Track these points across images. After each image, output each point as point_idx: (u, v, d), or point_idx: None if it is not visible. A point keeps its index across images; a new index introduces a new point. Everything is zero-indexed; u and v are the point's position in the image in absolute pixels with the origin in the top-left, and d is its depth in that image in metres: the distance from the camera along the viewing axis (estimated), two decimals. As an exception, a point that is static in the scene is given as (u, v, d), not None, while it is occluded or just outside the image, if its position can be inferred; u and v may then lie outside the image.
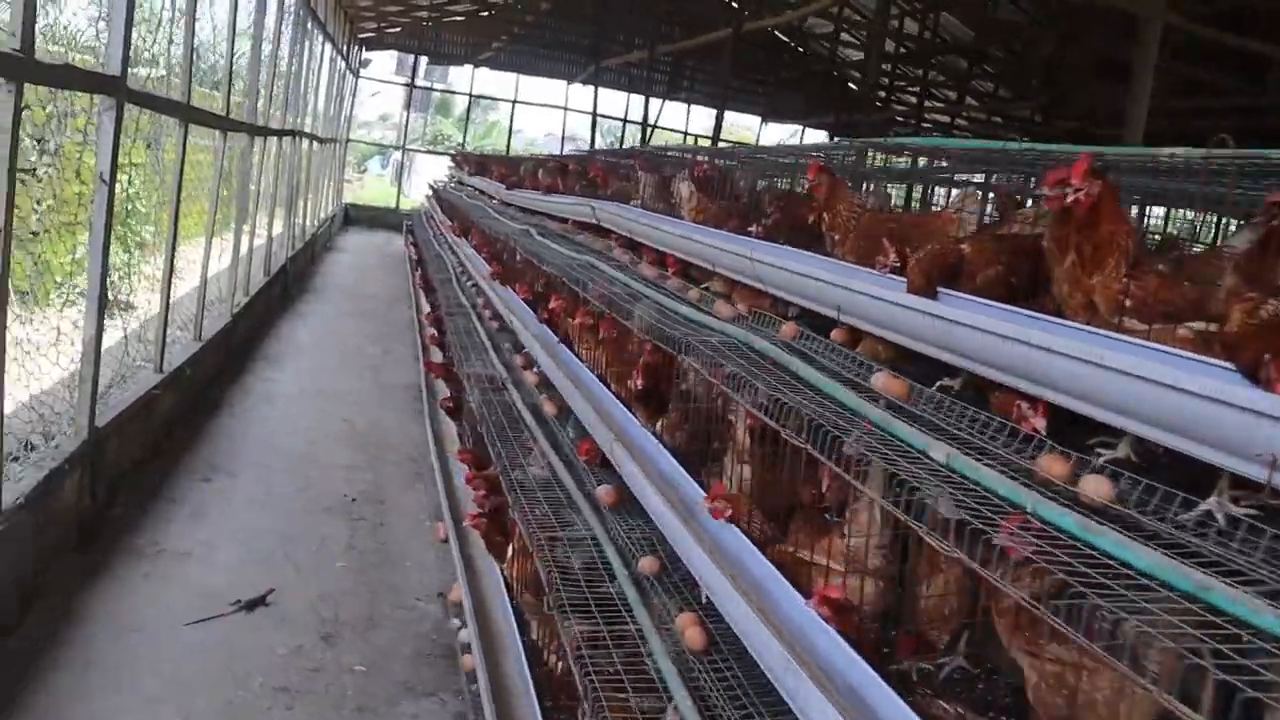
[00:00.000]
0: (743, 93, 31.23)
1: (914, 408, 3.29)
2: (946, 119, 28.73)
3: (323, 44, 20.97)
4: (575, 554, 4.50)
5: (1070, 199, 2.79)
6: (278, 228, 16.14)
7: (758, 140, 27.61)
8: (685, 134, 34.01)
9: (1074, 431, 2.86)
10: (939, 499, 2.57)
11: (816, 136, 31.91)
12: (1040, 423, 2.88)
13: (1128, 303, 2.77)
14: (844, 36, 27.34)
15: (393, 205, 32.38)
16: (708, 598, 3.89)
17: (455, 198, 19.18)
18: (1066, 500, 2.49)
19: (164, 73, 8.64)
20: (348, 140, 30.62)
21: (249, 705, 5.08)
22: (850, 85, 30.90)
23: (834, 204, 4.32)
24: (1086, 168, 2.80)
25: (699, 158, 6.79)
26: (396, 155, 38.16)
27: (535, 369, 7.70)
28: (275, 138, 14.70)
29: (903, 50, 25.25)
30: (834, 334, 4.20)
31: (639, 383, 4.64)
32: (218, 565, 6.51)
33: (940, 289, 3.44)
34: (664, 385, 4.84)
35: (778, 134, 35.49)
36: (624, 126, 32.22)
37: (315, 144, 20.64)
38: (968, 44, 24.61)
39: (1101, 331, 2.84)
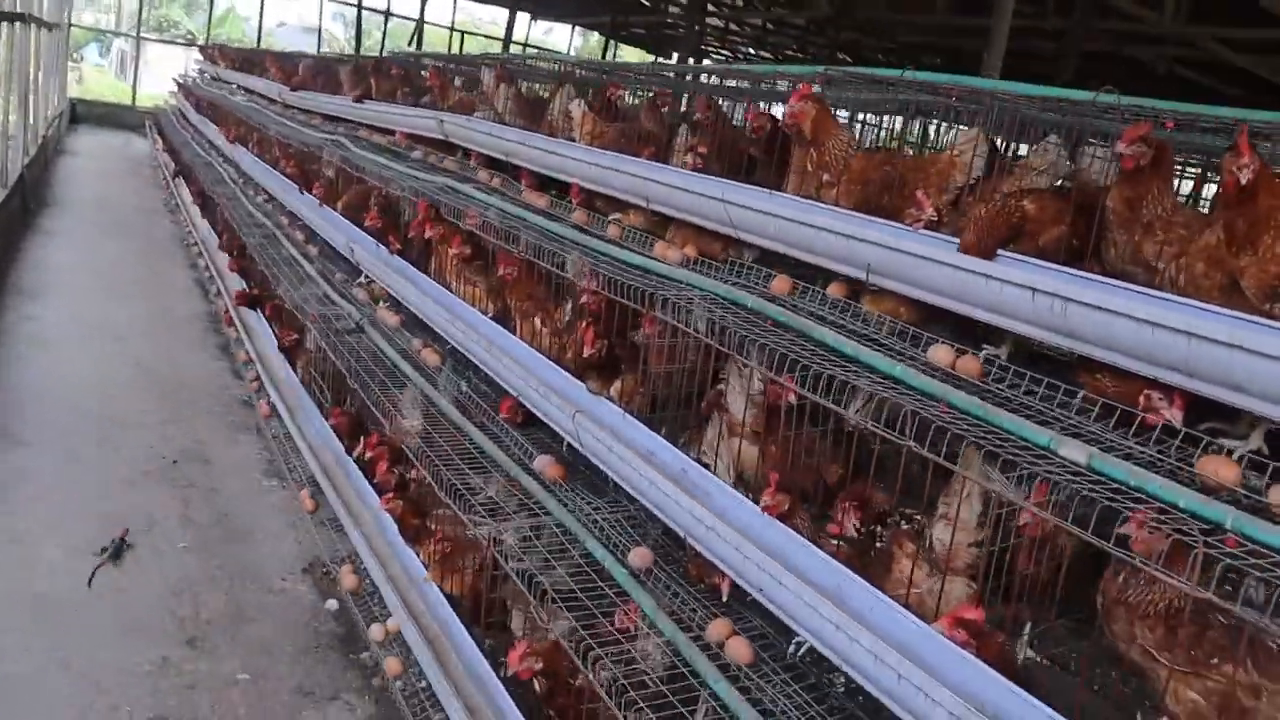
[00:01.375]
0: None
1: (993, 388, 2.93)
2: (721, 24, 28.54)
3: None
4: (541, 549, 3.91)
5: (1238, 173, 2.45)
6: (10, 130, 13.75)
7: (508, 36, 25.94)
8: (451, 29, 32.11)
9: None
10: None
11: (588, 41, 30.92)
12: (1176, 415, 2.57)
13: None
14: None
15: (128, 102, 28.64)
16: (728, 595, 3.47)
17: (217, 97, 17.10)
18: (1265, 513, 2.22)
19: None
20: (70, 25, 26.65)
21: (118, 744, 4.20)
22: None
23: (822, 139, 3.84)
24: (1246, 140, 2.47)
25: (606, 77, 6.04)
26: (119, 43, 33.92)
27: (388, 306, 6.84)
28: (5, 23, 12.36)
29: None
30: (832, 288, 3.76)
31: (590, 347, 4.03)
32: (40, 565, 5.38)
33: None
34: (617, 345, 4.26)
35: (535, 32, 34.09)
36: (359, 14, 29.55)
37: (44, 30, 17.71)
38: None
39: (1223, 310, 2.55)
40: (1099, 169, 3.60)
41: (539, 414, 4.42)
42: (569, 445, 4.65)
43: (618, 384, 4.17)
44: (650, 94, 6.66)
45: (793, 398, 3.40)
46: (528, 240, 5.10)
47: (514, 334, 5.09)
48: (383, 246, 6.97)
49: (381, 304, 7.09)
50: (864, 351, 3.19)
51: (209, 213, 13.00)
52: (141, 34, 30.16)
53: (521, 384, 4.50)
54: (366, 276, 7.66)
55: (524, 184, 6.06)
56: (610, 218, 5.25)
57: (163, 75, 27.98)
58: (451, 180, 6.56)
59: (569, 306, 5.01)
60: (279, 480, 7.06)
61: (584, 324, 4.27)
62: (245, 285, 9.07)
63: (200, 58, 23.12)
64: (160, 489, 6.54)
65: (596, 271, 4.40)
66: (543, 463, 4.36)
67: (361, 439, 5.56)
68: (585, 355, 4.02)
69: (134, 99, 28.80)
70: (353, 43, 30.98)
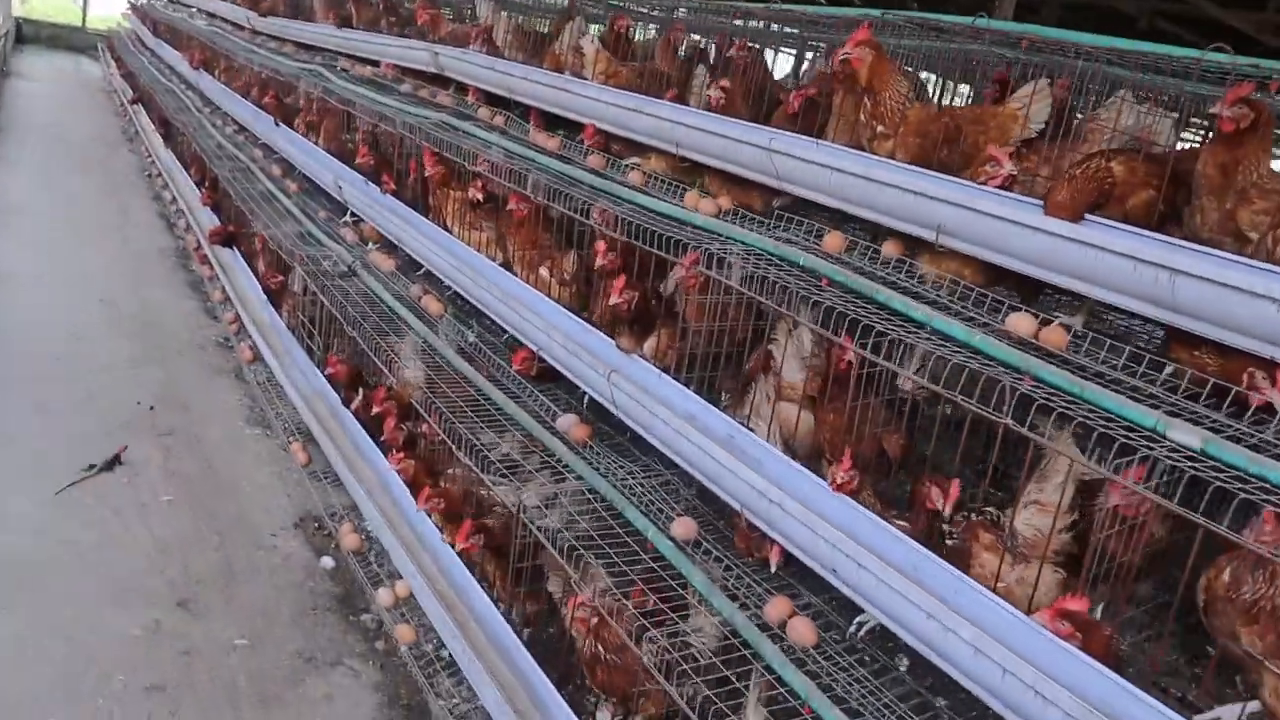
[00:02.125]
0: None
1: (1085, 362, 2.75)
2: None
3: None
4: (567, 508, 3.70)
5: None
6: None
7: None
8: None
9: None
10: None
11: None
12: (1278, 396, 2.41)
13: None
14: None
15: (78, 23, 27.35)
16: (780, 566, 3.29)
17: (176, 20, 16.34)
18: None
19: None
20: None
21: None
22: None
23: (879, 88, 3.57)
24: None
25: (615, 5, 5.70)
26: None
27: (381, 248, 6.52)
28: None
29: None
30: (887, 247, 3.54)
31: (620, 298, 3.77)
32: (8, 522, 5.07)
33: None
34: (650, 299, 4.01)
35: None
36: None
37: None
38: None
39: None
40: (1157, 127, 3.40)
41: (567, 373, 4.18)
42: (589, 400, 4.44)
43: (651, 341, 3.93)
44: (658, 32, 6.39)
45: (851, 359, 3.22)
46: (540, 183, 4.83)
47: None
48: (373, 185, 6.63)
49: (373, 246, 6.76)
50: (936, 317, 2.99)
51: (173, 143, 12.44)
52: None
53: (545, 339, 4.25)
54: (354, 215, 7.32)
55: (532, 123, 5.75)
56: (627, 161, 4.98)
57: (114, -5, 26.74)
58: (449, 117, 6.22)
59: (573, 256, 4.76)
60: (263, 428, 6.77)
61: (608, 268, 4.02)
62: (219, 221, 8.63)
63: (156, -23, 22.03)
64: (139, 438, 6.22)
65: (623, 219, 4.15)
66: (567, 423, 4.13)
67: (361, 390, 5.29)
68: (613, 304, 3.76)
69: (84, 20, 27.53)
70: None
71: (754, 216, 3.99)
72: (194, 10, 17.03)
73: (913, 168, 3.26)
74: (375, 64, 8.42)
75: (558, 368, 4.23)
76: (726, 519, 3.66)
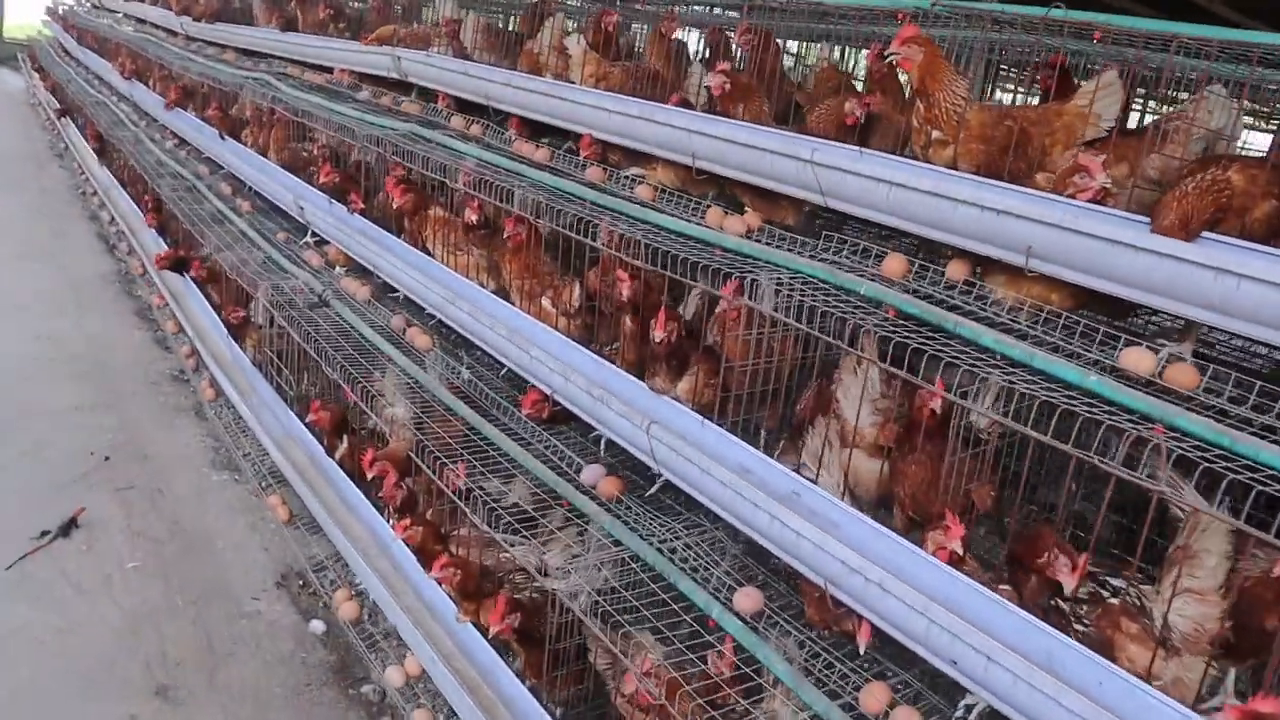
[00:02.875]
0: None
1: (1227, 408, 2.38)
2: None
3: None
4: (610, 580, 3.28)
5: None
6: None
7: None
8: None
9: None
10: None
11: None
12: None
13: None
14: None
15: (-5, 32, 26.18)
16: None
17: (104, 28, 15.51)
18: None
19: None
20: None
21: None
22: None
23: (933, 89, 3.19)
24: None
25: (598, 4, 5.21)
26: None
27: (352, 273, 6.02)
28: None
29: None
30: (952, 269, 3.16)
31: (663, 333, 3.34)
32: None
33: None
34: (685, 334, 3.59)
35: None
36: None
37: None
38: None
39: None
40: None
41: (594, 422, 3.73)
42: (607, 442, 4.03)
43: (686, 382, 3.51)
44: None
45: (937, 406, 2.84)
46: (534, 201, 4.38)
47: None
48: (338, 204, 6.12)
49: (341, 270, 6.25)
50: (1037, 354, 2.62)
51: (108, 159, 11.71)
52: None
53: (560, 381, 3.81)
54: (315, 235, 6.80)
55: (514, 132, 5.30)
56: (628, 173, 4.55)
57: (28, 4, 25.56)
58: (417, 127, 5.74)
59: (577, 284, 4.32)
60: (231, 472, 6.25)
61: (633, 300, 3.59)
62: (165, 244, 8.02)
63: (77, -17, 21.05)
64: (95, 494, 5.67)
65: (636, 241, 3.74)
66: (594, 476, 3.70)
67: (345, 437, 4.80)
68: (655, 340, 3.33)
69: (0, 29, 26.32)
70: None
71: (789, 234, 3.59)
72: (119, 16, 16.21)
73: (997, 183, 2.87)
74: (327, 70, 7.88)
75: (580, 415, 3.79)
76: (788, 580, 3.27)
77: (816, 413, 3.33)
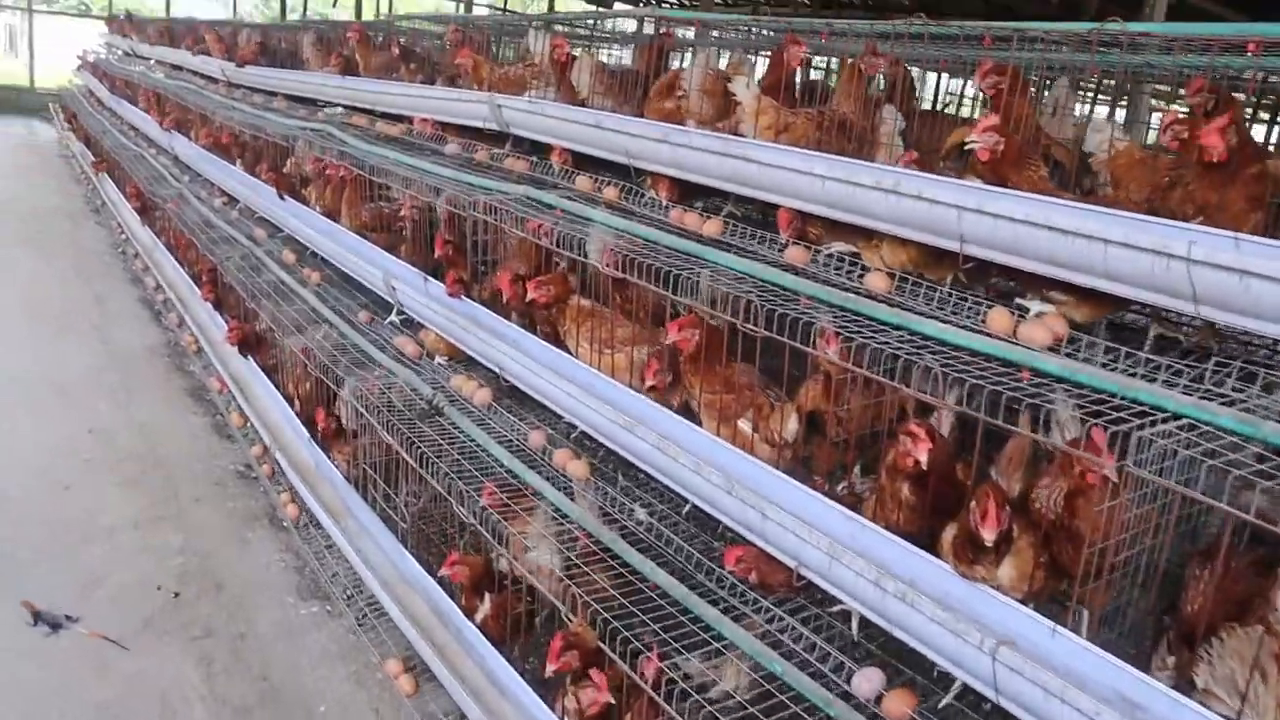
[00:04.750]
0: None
1: None
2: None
3: None
4: None
5: None
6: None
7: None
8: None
9: None
10: None
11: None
12: None
13: None
14: None
15: (24, 83, 25.50)
16: None
17: (136, 75, 14.75)
18: None
19: None
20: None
21: None
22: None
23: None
24: None
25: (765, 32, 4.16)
26: (3, 18, 30.72)
27: (464, 370, 5.05)
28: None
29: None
30: None
31: (995, 532, 2.33)
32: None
33: None
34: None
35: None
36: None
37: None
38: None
39: None
40: None
41: (881, 620, 2.71)
42: (850, 615, 3.03)
43: (1011, 566, 2.50)
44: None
45: None
46: (725, 295, 3.41)
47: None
48: (433, 281, 5.18)
49: (442, 360, 5.29)
50: None
51: (150, 218, 10.87)
52: (32, 5, 26.90)
53: (819, 556, 2.78)
54: (400, 312, 5.87)
55: (663, 195, 4.33)
56: (833, 250, 3.57)
57: (57, 52, 24.96)
58: (532, 189, 4.79)
59: (792, 409, 3.31)
60: (320, 602, 5.27)
61: (935, 456, 2.58)
62: (229, 322, 7.07)
63: (108, 31, 20.41)
64: (165, 646, 4.72)
65: (902, 360, 2.76)
66: (872, 685, 2.68)
67: (487, 595, 3.80)
68: (989, 543, 2.33)
69: (32, 80, 25.75)
70: (262, 10, 28.24)
71: (1116, 349, 2.59)
72: (151, 63, 15.47)
73: None
74: (401, 120, 6.97)
75: (851, 605, 2.78)
76: None
77: (1225, 615, 2.32)
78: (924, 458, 2.59)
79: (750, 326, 3.16)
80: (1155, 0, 7.19)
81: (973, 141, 2.94)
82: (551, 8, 26.06)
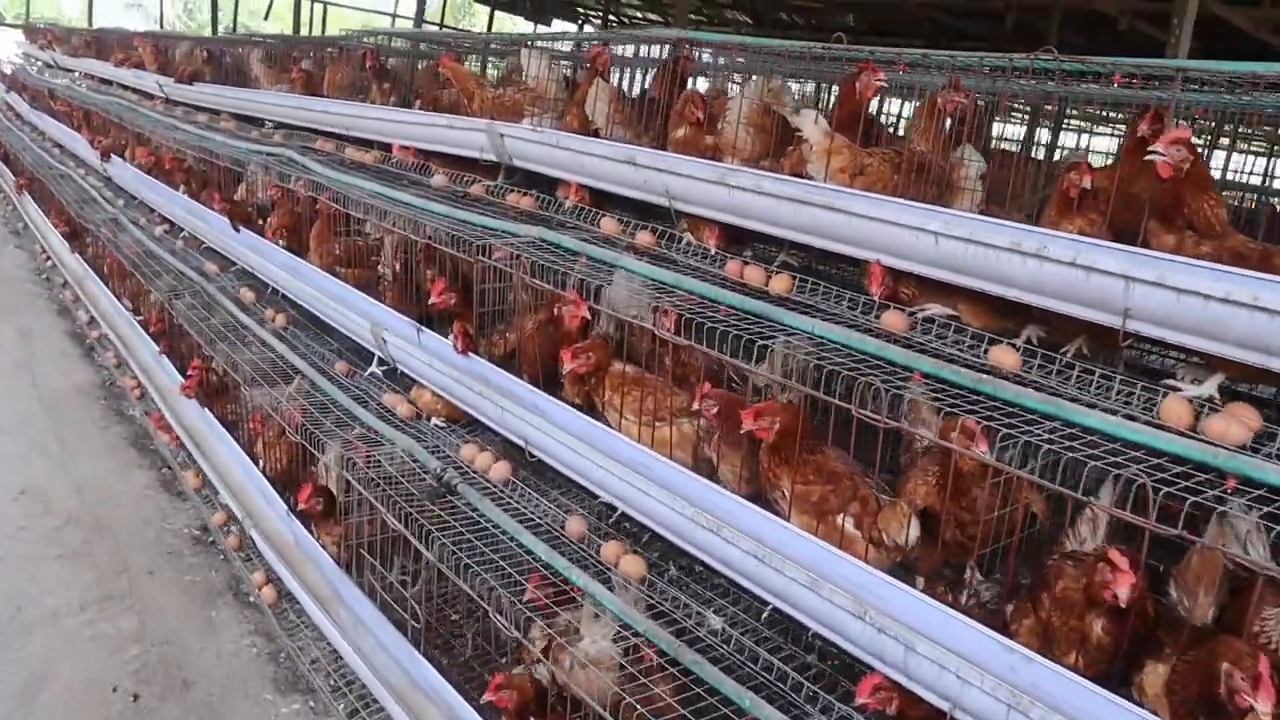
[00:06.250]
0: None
1: None
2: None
3: None
4: None
5: None
6: None
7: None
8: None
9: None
10: None
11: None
12: None
13: None
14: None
15: (-69, 92, 24.03)
16: None
17: (61, 89, 13.76)
18: None
19: None
20: None
21: None
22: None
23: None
24: None
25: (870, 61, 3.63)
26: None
27: (472, 438, 4.47)
28: None
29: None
30: None
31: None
32: None
33: None
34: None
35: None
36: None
37: None
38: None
39: None
40: None
41: None
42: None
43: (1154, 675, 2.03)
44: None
45: None
46: (807, 365, 2.92)
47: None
48: (426, 333, 4.60)
49: (439, 422, 4.70)
50: None
51: (81, 245, 10.02)
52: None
53: (991, 704, 2.28)
54: (381, 363, 5.26)
55: (711, 243, 3.83)
56: (928, 312, 3.10)
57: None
58: (547, 233, 4.26)
59: (908, 509, 2.81)
60: (302, 696, 4.64)
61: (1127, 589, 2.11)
62: (184, 372, 6.32)
63: (25, 41, 19.26)
64: (129, 764, 4.05)
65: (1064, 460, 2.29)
66: None
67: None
68: (1261, 706, 1.86)
69: (-66, 91, 24.25)
70: (184, 21, 27.09)
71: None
72: (76, 75, 14.50)
73: None
74: (368, 145, 6.36)
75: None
76: None
77: None
78: (1124, 594, 2.12)
79: (866, 413, 2.65)
80: (1183, 15, 6.82)
81: (1156, 152, 2.50)
82: (490, 28, 25.34)
